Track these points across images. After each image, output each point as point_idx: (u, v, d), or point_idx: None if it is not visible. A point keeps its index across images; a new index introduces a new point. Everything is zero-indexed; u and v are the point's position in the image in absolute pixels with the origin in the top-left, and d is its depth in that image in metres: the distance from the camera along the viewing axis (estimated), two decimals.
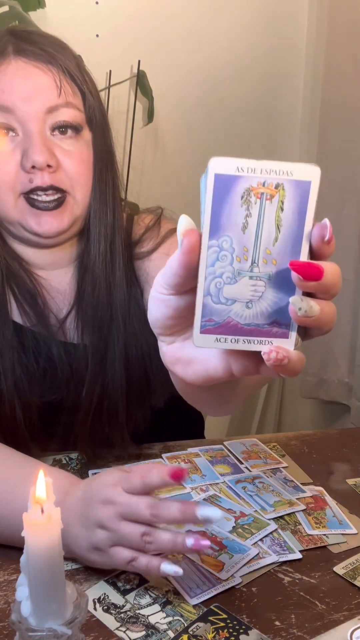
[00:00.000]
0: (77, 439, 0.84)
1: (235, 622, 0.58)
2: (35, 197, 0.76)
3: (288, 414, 2.18)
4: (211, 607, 0.60)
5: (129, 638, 0.56)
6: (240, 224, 0.39)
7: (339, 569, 0.67)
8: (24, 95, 0.75)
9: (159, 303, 0.44)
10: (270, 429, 2.15)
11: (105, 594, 0.62)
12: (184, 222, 0.40)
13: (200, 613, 0.59)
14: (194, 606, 0.60)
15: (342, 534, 0.72)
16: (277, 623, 0.59)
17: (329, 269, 0.39)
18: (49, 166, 0.75)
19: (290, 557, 0.68)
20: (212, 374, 0.46)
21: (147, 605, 0.60)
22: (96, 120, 0.81)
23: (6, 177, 0.76)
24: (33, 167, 0.75)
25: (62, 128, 0.77)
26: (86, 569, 0.65)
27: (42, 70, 0.76)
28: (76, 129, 0.78)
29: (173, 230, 0.88)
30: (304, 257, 0.39)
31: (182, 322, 0.45)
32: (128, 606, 0.60)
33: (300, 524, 0.74)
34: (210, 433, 1.08)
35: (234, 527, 0.72)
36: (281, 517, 0.74)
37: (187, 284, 0.42)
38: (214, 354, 0.45)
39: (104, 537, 0.58)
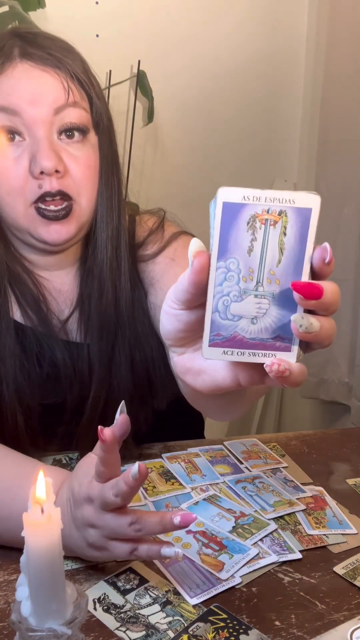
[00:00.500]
0: (78, 441, 0.84)
1: (235, 622, 0.58)
2: (44, 206, 0.76)
3: (288, 414, 2.18)
4: (211, 607, 0.60)
5: (129, 638, 0.56)
6: (246, 248, 0.43)
7: (339, 569, 0.67)
8: (30, 99, 0.74)
9: (170, 317, 0.47)
10: (270, 429, 2.15)
11: (105, 594, 0.62)
12: (195, 245, 0.43)
13: (200, 613, 0.59)
14: (194, 606, 0.60)
15: (342, 534, 0.72)
16: (277, 623, 0.59)
17: (329, 288, 0.42)
18: (57, 171, 0.75)
19: (290, 557, 0.68)
20: (220, 383, 0.48)
21: (147, 605, 0.60)
22: (103, 124, 0.81)
23: (15, 184, 0.76)
24: (41, 172, 0.74)
25: (69, 131, 0.77)
26: (86, 569, 0.65)
27: (48, 73, 0.75)
28: (83, 131, 0.78)
29: (177, 234, 0.88)
30: (305, 277, 0.43)
31: (192, 334, 0.48)
32: (128, 606, 0.60)
33: (300, 524, 0.74)
34: (210, 433, 1.08)
35: (234, 527, 0.72)
36: (281, 517, 0.74)
37: (196, 300, 0.45)
38: (222, 365, 0.48)
39: (96, 535, 0.58)
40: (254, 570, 0.66)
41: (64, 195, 0.76)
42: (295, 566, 0.67)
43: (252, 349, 0.44)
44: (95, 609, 0.60)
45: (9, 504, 0.64)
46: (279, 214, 0.42)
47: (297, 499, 0.78)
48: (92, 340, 0.83)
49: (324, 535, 0.72)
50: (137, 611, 0.59)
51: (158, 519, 0.56)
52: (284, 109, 2.01)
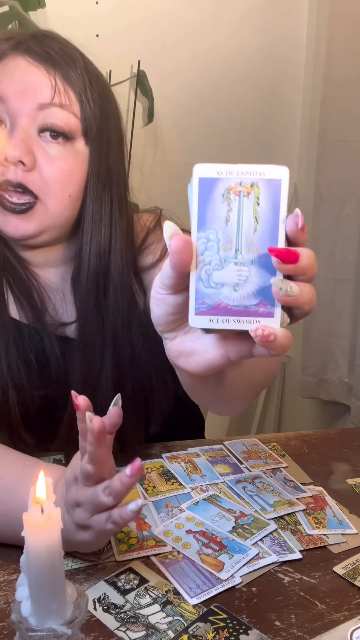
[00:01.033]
0: (76, 442, 0.84)
1: (235, 622, 0.58)
2: (6, 196, 0.75)
3: (288, 414, 2.18)
4: (211, 607, 0.60)
5: (129, 638, 0.56)
6: (223, 218, 0.45)
7: (339, 569, 0.67)
8: (18, 90, 0.75)
9: (159, 302, 0.49)
10: (270, 429, 2.15)
11: (105, 594, 0.62)
12: (169, 228, 0.45)
13: (200, 613, 0.59)
14: (194, 606, 0.60)
15: (342, 534, 0.72)
16: (277, 623, 0.59)
17: (305, 253, 0.44)
18: (22, 163, 0.74)
19: (290, 557, 0.68)
20: (211, 361, 0.50)
21: (147, 605, 0.60)
22: (92, 134, 0.79)
23: None
24: (6, 159, 0.74)
25: (53, 132, 0.76)
26: (86, 569, 0.65)
27: (40, 70, 0.76)
28: (67, 136, 0.77)
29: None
30: (281, 244, 0.45)
31: (180, 317, 0.50)
32: (128, 606, 0.60)
33: (300, 524, 0.74)
34: (210, 433, 1.08)
35: (234, 527, 0.72)
36: (281, 517, 0.74)
37: (181, 284, 0.46)
38: (211, 343, 0.49)
39: (81, 512, 0.59)
40: (254, 570, 0.66)
41: (25, 190, 0.76)
42: (295, 566, 0.67)
43: (237, 315, 0.45)
44: (95, 609, 0.60)
45: (9, 500, 0.65)
46: (251, 186, 0.44)
47: (297, 499, 0.78)
48: (85, 356, 0.82)
49: (324, 535, 0.72)
50: (137, 611, 0.59)
51: (118, 477, 0.56)
52: (283, 109, 2.01)
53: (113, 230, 0.82)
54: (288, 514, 0.75)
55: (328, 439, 0.95)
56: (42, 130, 0.76)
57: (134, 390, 0.84)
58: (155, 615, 0.59)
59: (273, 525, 0.72)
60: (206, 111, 1.91)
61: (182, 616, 0.59)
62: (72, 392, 0.56)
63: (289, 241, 0.45)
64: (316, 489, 0.81)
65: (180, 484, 0.80)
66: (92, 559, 0.66)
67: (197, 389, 0.67)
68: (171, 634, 0.57)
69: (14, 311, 0.83)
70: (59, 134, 0.76)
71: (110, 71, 1.61)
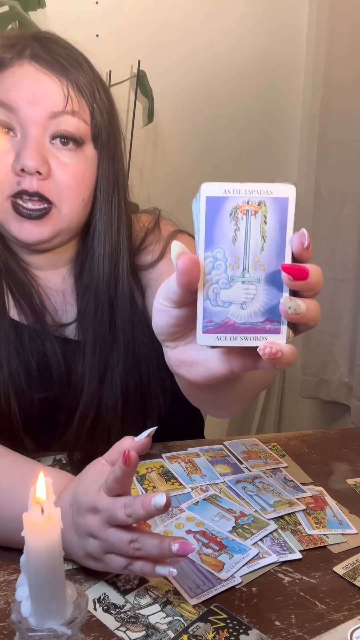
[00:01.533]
0: (65, 443, 0.84)
1: (235, 622, 0.58)
2: (20, 202, 0.76)
3: (288, 414, 2.18)
4: (211, 607, 0.60)
5: (129, 638, 0.56)
6: (230, 237, 0.45)
7: (339, 569, 0.67)
8: (29, 98, 0.75)
9: (162, 313, 0.49)
10: (270, 429, 2.15)
11: (105, 594, 0.62)
12: (176, 248, 0.45)
13: (200, 613, 0.59)
14: (194, 606, 0.60)
15: (342, 534, 0.72)
16: (277, 623, 0.59)
17: (313, 269, 0.44)
18: (39, 173, 0.75)
19: (290, 557, 0.68)
20: (214, 372, 0.49)
21: (147, 605, 0.60)
22: (103, 140, 0.80)
23: None
24: (22, 170, 0.74)
25: (63, 138, 0.77)
26: (86, 569, 0.65)
27: (51, 78, 0.76)
28: (77, 141, 0.77)
29: (174, 234, 0.88)
30: (287, 261, 0.45)
31: (183, 328, 0.50)
32: (128, 606, 0.60)
33: (300, 524, 0.74)
34: (210, 433, 1.08)
35: (234, 527, 0.72)
36: (281, 517, 0.74)
37: (186, 299, 0.46)
38: (215, 354, 0.49)
39: (96, 546, 0.58)
40: (254, 570, 0.66)
41: (42, 197, 0.76)
42: (295, 566, 0.67)
43: (244, 333, 0.46)
44: (95, 609, 0.60)
45: (9, 506, 0.64)
46: (259, 204, 0.44)
47: (297, 499, 0.78)
48: (85, 356, 0.82)
49: (324, 535, 0.72)
50: (137, 611, 0.59)
51: (157, 542, 0.55)
52: (284, 109, 2.01)
53: (121, 231, 0.83)
54: (288, 514, 0.75)
55: (328, 439, 0.95)
56: (53, 137, 0.77)
57: (135, 386, 0.84)
58: (155, 615, 0.59)
59: (273, 525, 0.72)
60: (206, 111, 1.91)
61: (182, 616, 0.59)
62: (125, 450, 0.54)
63: (294, 258, 0.45)
64: (316, 489, 0.81)
65: (180, 484, 0.80)
66: None
67: (196, 395, 0.67)
68: (171, 634, 0.57)
69: (14, 314, 0.83)
70: (69, 140, 0.77)
71: (110, 71, 1.61)
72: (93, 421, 0.82)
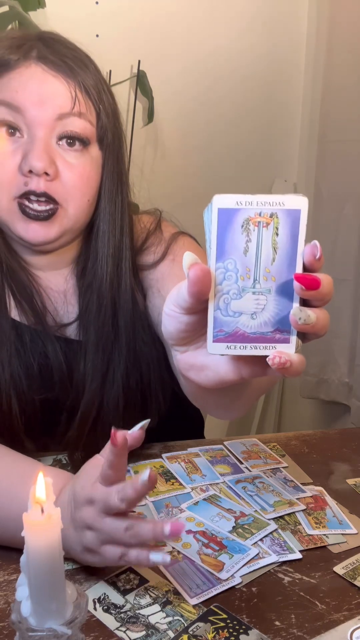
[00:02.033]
0: (67, 441, 0.84)
1: (235, 622, 0.58)
2: (27, 203, 0.76)
3: (288, 414, 2.18)
4: (211, 607, 0.60)
5: (129, 638, 0.56)
6: (242, 249, 0.46)
7: (339, 569, 0.67)
8: (36, 100, 0.75)
9: (172, 319, 0.49)
10: (270, 429, 2.15)
11: (105, 594, 0.62)
12: (188, 258, 0.45)
13: (200, 613, 0.59)
14: (194, 606, 0.60)
15: (342, 534, 0.72)
16: (277, 623, 0.59)
17: (325, 279, 0.45)
18: (46, 174, 0.75)
19: (290, 557, 0.68)
20: (224, 377, 0.50)
21: (147, 605, 0.60)
22: (108, 140, 0.81)
23: (3, 178, 0.76)
24: (30, 171, 0.75)
25: (70, 139, 0.77)
26: (86, 569, 0.65)
27: (59, 80, 0.76)
28: (84, 142, 0.78)
29: (176, 235, 0.88)
30: (299, 272, 0.46)
31: (193, 334, 0.50)
32: (128, 606, 0.60)
33: (300, 524, 0.74)
34: (210, 433, 1.08)
35: (234, 527, 0.72)
36: (281, 517, 0.74)
37: (196, 307, 0.47)
38: (225, 360, 0.50)
39: (92, 538, 0.58)
40: (254, 570, 0.66)
41: (49, 198, 0.76)
42: (295, 566, 0.67)
43: (254, 342, 0.46)
44: (95, 609, 0.60)
45: (8, 504, 0.64)
46: (270, 216, 0.45)
47: (297, 499, 0.78)
48: (87, 355, 0.83)
49: (324, 535, 0.72)
50: (137, 611, 0.59)
51: (151, 526, 0.56)
52: (284, 109, 2.01)
53: (124, 230, 0.84)
54: (288, 514, 0.75)
55: (328, 439, 0.95)
56: (60, 138, 0.77)
57: (135, 385, 0.84)
58: (155, 615, 0.59)
59: (273, 525, 0.72)
60: (206, 111, 1.91)
61: (182, 616, 0.59)
62: (113, 428, 0.55)
63: (305, 269, 0.46)
64: (316, 489, 0.81)
65: (180, 484, 0.80)
66: None
67: (203, 398, 0.68)
68: (171, 634, 0.57)
69: (15, 315, 0.83)
70: (75, 141, 0.77)
71: (110, 71, 1.61)
72: (95, 420, 0.82)
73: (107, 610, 0.59)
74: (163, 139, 1.88)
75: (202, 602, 0.61)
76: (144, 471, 0.54)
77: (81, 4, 1.70)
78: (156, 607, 0.60)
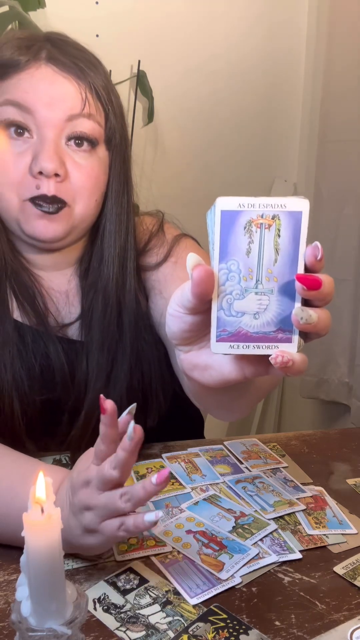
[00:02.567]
0: (70, 442, 0.84)
1: (235, 622, 0.58)
2: (38, 202, 0.76)
3: (288, 414, 2.18)
4: (211, 607, 0.60)
5: (129, 638, 0.56)
6: (244, 250, 0.46)
7: (339, 569, 0.67)
8: (47, 101, 0.75)
9: (176, 319, 0.50)
10: (270, 429, 2.15)
11: (105, 594, 0.62)
12: (192, 259, 0.46)
13: (200, 613, 0.59)
14: (194, 606, 0.60)
15: (342, 534, 0.72)
16: (277, 623, 0.59)
17: (326, 280, 0.46)
18: (56, 175, 0.75)
19: (290, 557, 0.68)
20: (227, 376, 0.51)
21: (147, 605, 0.60)
22: (115, 142, 0.81)
23: (13, 179, 0.76)
24: (40, 173, 0.75)
25: (78, 140, 0.77)
26: (86, 569, 0.65)
27: (69, 81, 0.76)
28: (92, 142, 0.78)
29: (178, 237, 0.89)
30: (300, 273, 0.47)
31: (197, 334, 0.51)
32: (128, 606, 0.60)
33: (300, 524, 0.74)
34: (210, 433, 1.08)
35: (234, 527, 0.72)
36: (281, 517, 0.74)
37: (200, 308, 0.48)
38: (228, 359, 0.51)
39: (91, 516, 0.58)
40: (254, 570, 0.66)
41: (58, 200, 0.77)
42: (295, 566, 0.67)
43: (256, 342, 0.47)
44: (95, 609, 0.60)
45: (9, 502, 0.65)
46: (272, 218, 0.46)
47: (297, 499, 0.78)
48: (92, 354, 0.83)
49: (324, 535, 0.72)
50: (137, 611, 0.59)
51: (141, 485, 0.56)
52: (284, 109, 2.01)
53: (129, 230, 0.84)
54: (288, 514, 0.75)
55: (328, 439, 0.95)
56: (69, 138, 0.77)
57: (137, 384, 0.84)
58: (155, 615, 0.59)
59: (273, 525, 0.72)
60: (206, 111, 1.91)
61: (182, 616, 0.59)
62: (101, 396, 0.55)
63: (307, 269, 0.47)
64: (316, 489, 0.81)
65: (180, 484, 0.80)
66: (92, 558, 0.66)
67: (206, 398, 0.68)
68: (171, 634, 0.57)
69: (17, 316, 0.83)
70: (83, 141, 0.78)
71: (110, 71, 1.61)
72: (98, 420, 0.82)
73: (107, 610, 0.60)
74: (163, 139, 1.88)
75: (202, 602, 0.61)
76: (128, 427, 0.54)
77: (81, 4, 1.70)
78: (156, 607, 0.60)
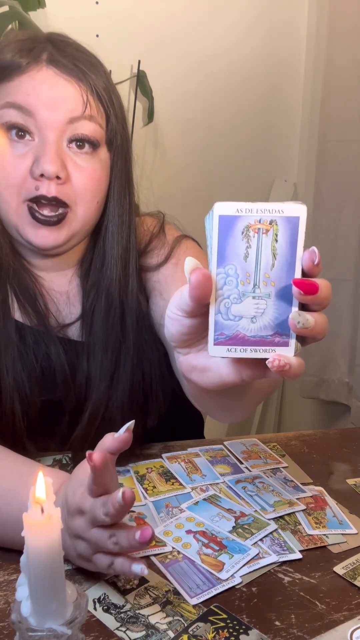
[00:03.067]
0: (73, 443, 0.84)
1: (235, 622, 0.58)
2: (37, 207, 0.76)
3: (288, 414, 2.18)
4: (211, 607, 0.60)
5: (129, 638, 0.56)
6: (242, 254, 0.47)
7: (339, 569, 0.67)
8: (48, 103, 0.75)
9: (174, 322, 0.51)
10: (270, 429, 2.15)
11: (105, 594, 0.62)
12: (190, 263, 0.46)
13: (200, 613, 0.59)
14: (194, 606, 0.60)
15: (342, 534, 0.72)
16: (277, 623, 0.59)
17: (323, 284, 0.46)
18: (58, 177, 0.75)
19: (290, 557, 0.68)
20: (225, 379, 0.51)
21: (147, 605, 0.60)
22: (117, 143, 0.81)
23: (13, 181, 0.76)
24: (42, 175, 0.75)
25: (79, 142, 0.77)
26: (86, 569, 0.65)
27: (70, 83, 0.76)
28: (94, 144, 0.78)
29: (179, 238, 0.89)
30: (298, 277, 0.47)
31: (195, 336, 0.51)
32: (128, 606, 0.60)
33: (300, 524, 0.74)
34: (210, 433, 1.08)
35: (234, 527, 0.72)
36: (281, 517, 0.74)
37: (198, 311, 0.48)
38: (226, 362, 0.51)
39: (84, 547, 0.58)
40: (254, 570, 0.66)
41: (59, 202, 0.76)
42: (295, 566, 0.67)
43: (254, 345, 0.48)
44: (95, 609, 0.60)
45: (6, 507, 0.64)
46: (270, 223, 0.46)
47: (297, 499, 0.78)
48: (95, 353, 0.83)
49: (324, 535, 0.72)
50: (137, 611, 0.59)
51: (126, 533, 0.56)
52: (284, 109, 2.01)
53: (131, 231, 0.84)
54: (288, 514, 0.75)
55: (328, 439, 0.95)
56: (70, 141, 0.77)
57: (138, 385, 0.84)
58: (155, 615, 0.59)
59: (273, 525, 0.72)
60: (206, 111, 1.91)
61: (182, 616, 0.59)
62: (88, 451, 0.54)
63: (304, 274, 0.47)
64: (316, 489, 0.81)
65: (180, 484, 0.80)
66: None
67: (205, 400, 0.68)
68: (171, 634, 0.57)
69: (18, 317, 0.83)
70: (85, 143, 0.78)
71: (110, 71, 1.61)
72: (102, 420, 0.82)
73: (107, 610, 0.59)
74: (163, 139, 1.88)
75: (202, 602, 0.61)
76: (119, 491, 0.53)
77: (81, 4, 1.70)
78: (156, 607, 0.60)
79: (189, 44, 1.83)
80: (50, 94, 0.75)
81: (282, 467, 0.85)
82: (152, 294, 0.86)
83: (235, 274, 0.47)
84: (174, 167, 1.89)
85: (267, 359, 0.47)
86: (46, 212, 0.76)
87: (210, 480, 0.81)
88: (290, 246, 0.46)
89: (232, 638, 0.56)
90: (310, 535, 0.72)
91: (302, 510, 0.76)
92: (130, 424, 0.56)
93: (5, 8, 1.41)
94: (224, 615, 0.59)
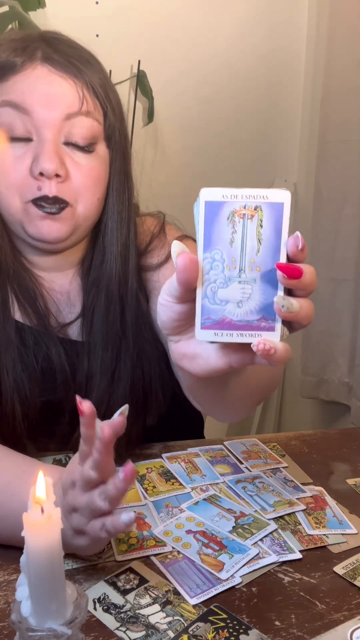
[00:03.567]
0: (75, 442, 0.84)
1: (235, 622, 0.58)
2: (42, 203, 0.77)
3: (288, 414, 2.18)
4: (211, 607, 0.60)
5: (129, 638, 0.56)
6: (228, 240, 0.48)
7: (339, 569, 0.67)
8: (44, 101, 0.75)
9: (165, 308, 0.52)
10: (270, 429, 2.15)
11: (105, 594, 0.62)
12: (176, 247, 0.48)
13: (200, 613, 0.59)
14: (194, 606, 0.60)
15: (342, 534, 0.72)
16: (277, 623, 0.59)
17: (307, 269, 0.47)
18: (57, 175, 0.75)
19: (290, 557, 0.68)
20: (214, 365, 0.52)
21: (147, 605, 0.60)
22: (115, 139, 0.81)
23: (14, 181, 0.76)
24: (41, 174, 0.75)
25: (75, 146, 0.77)
26: (86, 569, 0.65)
27: (66, 80, 0.76)
28: (91, 142, 0.78)
29: (180, 239, 0.89)
30: (283, 262, 0.48)
31: (185, 323, 0.52)
32: (128, 606, 0.60)
33: (300, 524, 0.74)
34: (210, 433, 1.08)
35: (234, 527, 0.72)
36: (281, 517, 0.74)
37: (186, 296, 0.49)
38: (215, 348, 0.51)
39: (78, 518, 0.58)
40: (254, 570, 0.66)
41: (60, 202, 0.77)
42: (295, 566, 0.67)
43: (240, 330, 0.48)
44: (95, 609, 0.60)
45: (7, 502, 0.65)
46: (255, 209, 0.47)
47: (297, 499, 0.78)
48: (95, 351, 0.83)
49: (324, 535, 0.72)
50: (137, 611, 0.59)
51: (112, 482, 0.56)
52: (283, 108, 2.01)
53: (130, 227, 0.85)
54: (288, 514, 0.75)
55: (328, 439, 0.95)
56: (66, 144, 0.77)
57: (138, 382, 0.84)
58: (155, 615, 0.59)
59: (273, 525, 0.72)
60: (206, 111, 1.91)
61: (182, 616, 0.59)
62: (77, 397, 0.56)
63: (289, 260, 0.47)
64: (316, 489, 0.81)
65: (180, 484, 0.80)
66: (92, 558, 0.66)
67: (199, 391, 0.68)
68: (171, 634, 0.57)
69: (18, 317, 0.83)
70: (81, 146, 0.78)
71: (110, 71, 1.61)
72: (103, 419, 0.82)
73: (107, 610, 0.60)
74: (163, 139, 1.88)
75: (202, 602, 0.61)
76: (123, 467, 0.54)
77: (81, 4, 1.70)
78: (156, 607, 0.60)
79: (189, 43, 1.83)
80: (45, 92, 0.75)
81: (282, 467, 0.85)
82: (152, 294, 0.87)
83: (222, 259, 0.48)
84: (174, 167, 1.89)
85: (252, 343, 0.47)
86: (46, 207, 0.77)
87: (210, 480, 0.81)
88: (274, 232, 0.47)
89: (232, 638, 0.56)
90: (310, 535, 0.72)
91: (302, 510, 0.76)
92: (124, 408, 0.57)
93: (5, 8, 1.41)
94: (224, 615, 0.59)
